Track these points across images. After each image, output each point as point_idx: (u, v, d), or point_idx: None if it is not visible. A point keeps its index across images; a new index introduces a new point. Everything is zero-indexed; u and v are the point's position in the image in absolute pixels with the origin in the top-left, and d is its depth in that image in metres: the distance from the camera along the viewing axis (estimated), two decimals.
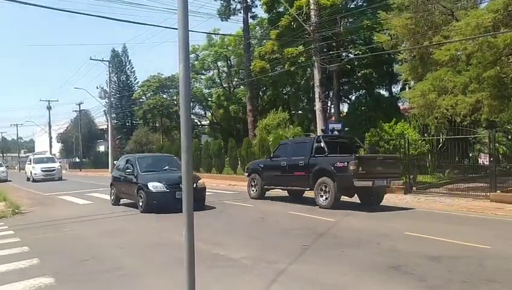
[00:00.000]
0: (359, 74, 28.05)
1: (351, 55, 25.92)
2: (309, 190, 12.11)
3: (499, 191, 12.29)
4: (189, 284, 3.56)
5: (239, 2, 30.95)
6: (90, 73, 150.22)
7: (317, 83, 15.90)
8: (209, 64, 41.39)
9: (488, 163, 14.88)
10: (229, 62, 40.85)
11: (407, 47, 16.17)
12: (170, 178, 11.33)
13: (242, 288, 5.11)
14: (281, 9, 26.05)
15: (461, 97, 13.03)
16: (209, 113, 45.47)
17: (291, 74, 28.02)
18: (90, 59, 36.85)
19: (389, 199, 12.96)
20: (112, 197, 13.46)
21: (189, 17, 3.64)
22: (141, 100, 46.54)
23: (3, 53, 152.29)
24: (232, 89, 41.07)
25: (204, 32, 41.70)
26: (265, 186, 13.67)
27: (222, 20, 31.31)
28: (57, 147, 60.99)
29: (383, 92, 29.08)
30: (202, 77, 43.33)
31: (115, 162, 37.46)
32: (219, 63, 41.53)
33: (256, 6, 31.49)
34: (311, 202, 11.97)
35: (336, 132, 16.77)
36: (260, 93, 37.50)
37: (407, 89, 23.60)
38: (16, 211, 12.15)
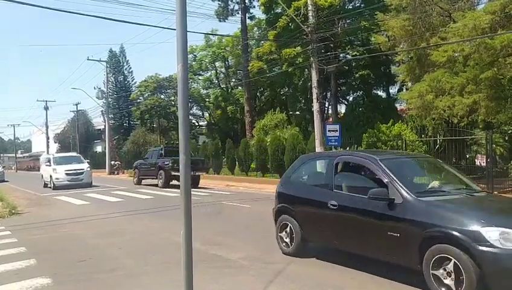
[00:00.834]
0: (357, 75, 28.08)
1: (349, 56, 25.97)
2: (156, 178, 20.36)
3: (496, 192, 12.33)
4: (187, 284, 3.56)
5: (237, 3, 30.97)
6: (88, 73, 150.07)
7: (314, 83, 15.91)
8: (207, 65, 41.38)
9: (485, 164, 14.92)
10: (226, 63, 40.84)
11: (405, 48, 16.20)
12: None
13: (240, 288, 5.11)
14: (279, 10, 26.04)
15: (458, 98, 13.05)
16: (207, 114, 45.45)
17: (289, 75, 28.06)
18: (88, 59, 36.78)
19: None
20: None
21: (187, 17, 3.65)
22: (139, 100, 46.47)
23: (0, 53, 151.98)
24: (229, 90, 41.07)
25: (202, 32, 41.84)
26: (140, 177, 22.36)
27: (220, 21, 31.30)
28: (54, 147, 60.85)
29: (381, 93, 29.13)
30: (200, 77, 43.32)
31: (112, 162, 37.50)
32: (217, 64, 41.53)
33: (254, 7, 31.55)
34: None
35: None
36: (258, 94, 37.51)
37: (404, 90, 23.61)
38: (13, 211, 12.12)
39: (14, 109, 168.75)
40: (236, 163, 24.45)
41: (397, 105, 27.15)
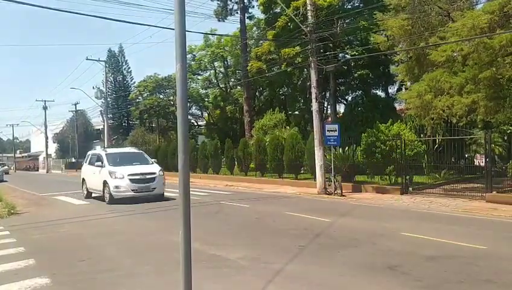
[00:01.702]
0: (356, 75, 28.07)
1: (348, 56, 25.94)
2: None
3: (494, 192, 12.35)
4: (186, 284, 3.55)
5: (236, 3, 30.95)
6: (87, 73, 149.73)
7: (313, 83, 15.88)
8: (206, 65, 41.32)
9: (483, 164, 14.94)
10: (225, 63, 40.80)
11: (404, 48, 16.19)
12: None
13: (238, 288, 5.11)
14: (278, 10, 26.04)
15: (457, 98, 13.05)
16: (206, 114, 45.40)
17: (287, 75, 28.06)
18: (87, 59, 36.64)
19: (385, 200, 13.01)
20: None
21: (186, 17, 3.64)
22: (138, 100, 46.45)
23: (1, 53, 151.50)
24: (228, 90, 41.03)
25: (201, 32, 41.73)
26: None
27: (219, 21, 31.31)
28: (53, 147, 60.82)
29: (380, 92, 29.11)
30: (199, 77, 43.26)
31: None
32: (216, 64, 41.48)
33: (253, 6, 31.56)
34: (309, 201, 11.98)
35: None
36: (257, 93, 37.49)
37: (403, 90, 23.62)
38: (12, 211, 12.12)
39: (13, 109, 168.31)
40: (236, 163, 24.44)
41: (396, 105, 27.17)
